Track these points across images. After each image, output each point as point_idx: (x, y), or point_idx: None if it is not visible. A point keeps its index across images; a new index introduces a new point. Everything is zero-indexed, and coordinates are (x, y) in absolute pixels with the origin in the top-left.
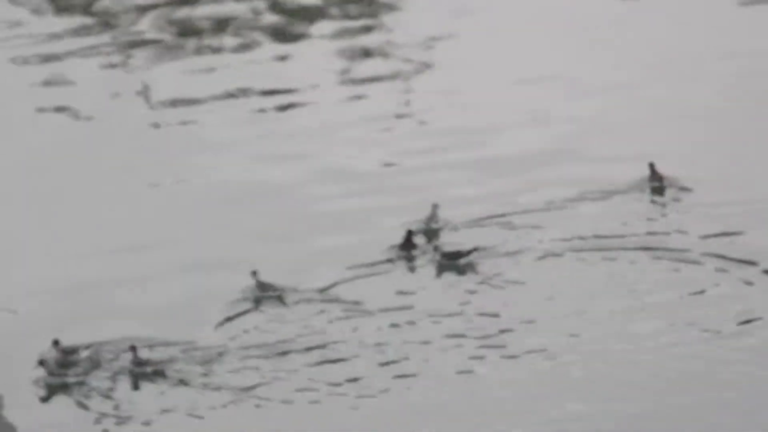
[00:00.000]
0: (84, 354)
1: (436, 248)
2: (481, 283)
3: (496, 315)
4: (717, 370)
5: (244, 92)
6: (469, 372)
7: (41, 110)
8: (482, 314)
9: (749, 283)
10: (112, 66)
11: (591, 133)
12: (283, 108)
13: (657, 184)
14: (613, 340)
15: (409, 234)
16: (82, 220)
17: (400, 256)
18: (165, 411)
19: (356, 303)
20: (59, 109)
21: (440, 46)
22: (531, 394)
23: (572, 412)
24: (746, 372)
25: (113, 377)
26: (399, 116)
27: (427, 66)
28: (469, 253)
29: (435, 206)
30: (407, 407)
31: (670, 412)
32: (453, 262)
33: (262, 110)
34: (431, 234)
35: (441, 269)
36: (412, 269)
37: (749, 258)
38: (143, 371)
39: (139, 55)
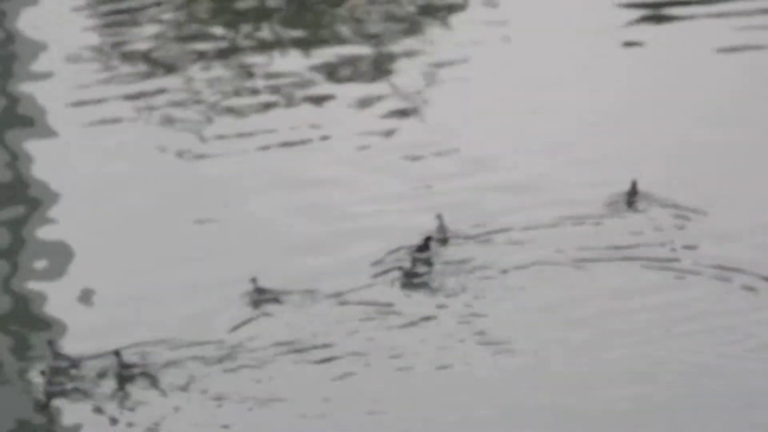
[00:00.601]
0: (79, 360)
1: (400, 268)
2: (449, 295)
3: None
4: (701, 377)
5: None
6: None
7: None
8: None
9: (724, 294)
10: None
11: (580, 155)
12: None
13: (634, 199)
14: (583, 349)
15: (427, 240)
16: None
17: (415, 259)
18: (152, 413)
19: (366, 305)
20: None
21: (450, 78)
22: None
23: (559, 406)
24: (731, 381)
25: (102, 381)
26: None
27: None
28: (426, 273)
29: (440, 216)
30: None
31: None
32: (412, 279)
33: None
34: (443, 242)
35: (404, 284)
36: (423, 273)
37: (725, 272)
38: (131, 374)
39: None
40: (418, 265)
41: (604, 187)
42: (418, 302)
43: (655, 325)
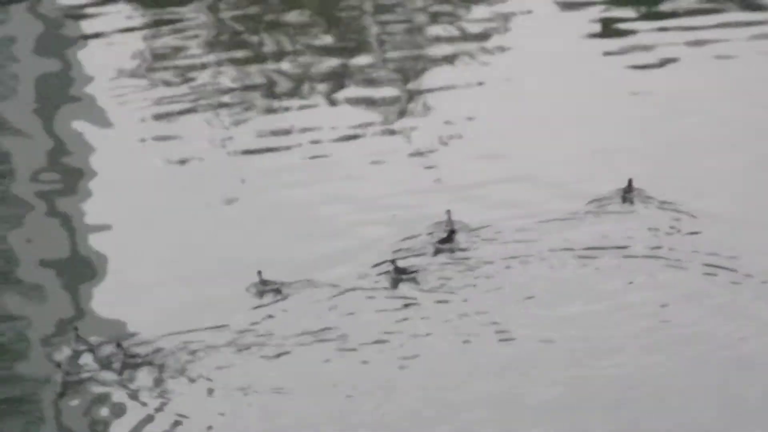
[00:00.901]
0: (97, 345)
1: (392, 261)
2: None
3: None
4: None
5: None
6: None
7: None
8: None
9: (711, 283)
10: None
11: (580, 157)
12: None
13: (630, 196)
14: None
15: (452, 232)
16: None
17: (440, 249)
18: (156, 400)
19: (365, 293)
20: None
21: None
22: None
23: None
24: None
25: (109, 370)
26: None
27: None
28: (414, 271)
29: (448, 212)
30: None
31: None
32: (402, 275)
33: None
34: (452, 234)
35: (394, 281)
36: (413, 271)
37: (719, 260)
38: (134, 363)
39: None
40: (441, 256)
41: (601, 184)
42: (414, 294)
43: (652, 318)
